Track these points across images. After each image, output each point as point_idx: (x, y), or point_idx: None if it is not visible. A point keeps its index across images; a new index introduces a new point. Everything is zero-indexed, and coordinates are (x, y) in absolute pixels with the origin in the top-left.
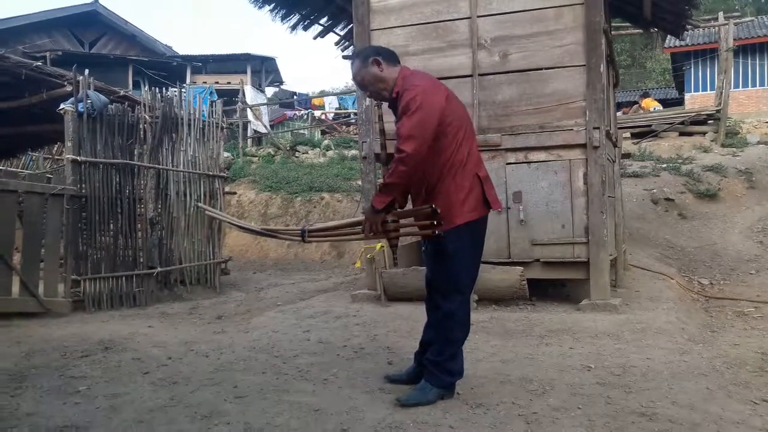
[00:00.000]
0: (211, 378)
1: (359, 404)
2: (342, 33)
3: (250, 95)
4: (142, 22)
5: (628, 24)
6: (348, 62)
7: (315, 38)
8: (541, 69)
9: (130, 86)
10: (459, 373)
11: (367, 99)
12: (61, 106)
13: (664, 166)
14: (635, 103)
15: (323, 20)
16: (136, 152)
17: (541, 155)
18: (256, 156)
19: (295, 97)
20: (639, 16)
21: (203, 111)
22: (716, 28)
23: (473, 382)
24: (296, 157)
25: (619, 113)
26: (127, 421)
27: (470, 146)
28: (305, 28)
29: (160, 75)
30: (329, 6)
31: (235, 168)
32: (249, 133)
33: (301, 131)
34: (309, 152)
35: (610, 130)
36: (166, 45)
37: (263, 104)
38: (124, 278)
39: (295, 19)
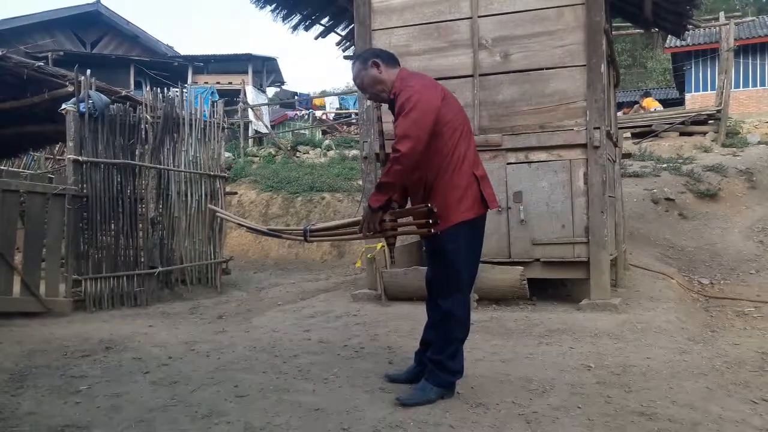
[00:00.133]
0: (212, 377)
1: (360, 404)
2: (343, 33)
3: (251, 95)
4: (144, 22)
5: (628, 24)
6: (349, 62)
7: (316, 38)
8: (541, 69)
9: (132, 86)
10: (459, 372)
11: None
12: (63, 106)
13: (665, 166)
14: (636, 103)
15: (324, 20)
16: (137, 152)
17: (542, 155)
18: (257, 156)
19: (296, 97)
20: (640, 16)
21: (204, 111)
22: (717, 28)
23: (473, 382)
24: (297, 157)
25: (619, 113)
26: (127, 420)
27: (467, 146)
28: (306, 29)
29: (161, 75)
30: (330, 6)
31: (236, 168)
32: (250, 133)
33: (302, 131)
34: (310, 152)
35: (611, 130)
36: (167, 45)
37: (264, 104)
38: (125, 278)
39: (296, 19)
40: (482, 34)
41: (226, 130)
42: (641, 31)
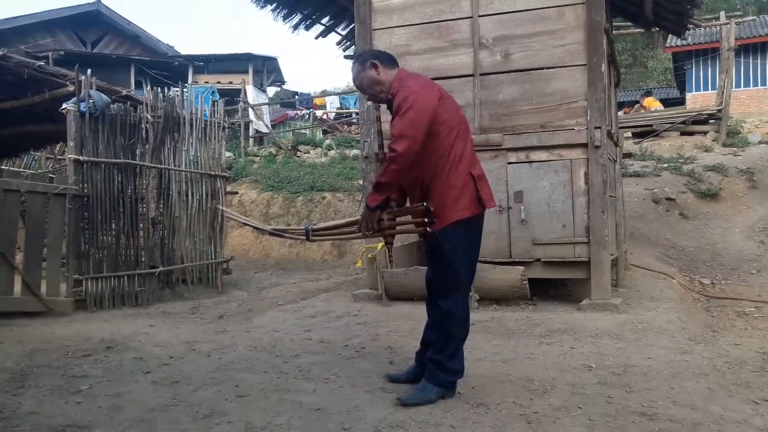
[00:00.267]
0: (213, 377)
1: (360, 404)
2: (344, 33)
3: (252, 95)
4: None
5: (629, 23)
6: (349, 62)
7: (317, 38)
8: (542, 68)
9: (133, 86)
10: (459, 371)
11: None
12: (64, 105)
13: (666, 165)
14: (636, 102)
15: (325, 20)
16: (138, 152)
17: (543, 155)
18: (257, 156)
19: (296, 96)
20: (640, 16)
21: (205, 111)
22: (718, 27)
23: (474, 382)
24: (298, 156)
25: (620, 113)
26: (128, 420)
27: (464, 145)
28: (307, 28)
29: (162, 75)
30: (331, 6)
31: (236, 168)
32: (251, 132)
33: (303, 131)
34: (310, 152)
35: (612, 130)
36: (168, 45)
37: (265, 104)
38: (126, 278)
39: (296, 18)
40: (483, 34)
41: (226, 129)
42: (642, 30)
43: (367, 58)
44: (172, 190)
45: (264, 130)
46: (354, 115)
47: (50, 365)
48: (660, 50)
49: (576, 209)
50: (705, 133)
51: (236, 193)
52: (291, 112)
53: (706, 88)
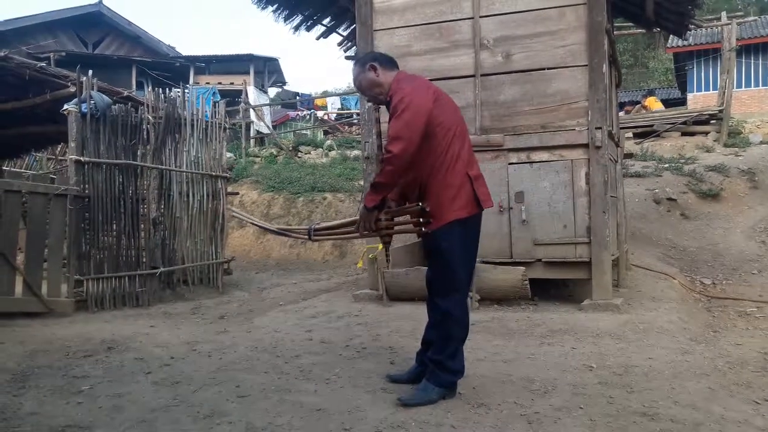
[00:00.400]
0: (214, 378)
1: (361, 404)
2: (345, 34)
3: (253, 96)
4: (146, 22)
5: (630, 24)
6: (350, 63)
7: (318, 39)
8: (543, 69)
9: (134, 87)
10: (460, 371)
11: None
12: (65, 106)
13: (667, 166)
14: (638, 102)
15: (326, 21)
16: (139, 153)
17: (544, 155)
18: (258, 156)
19: (297, 97)
20: (641, 16)
21: (206, 111)
22: (719, 27)
23: (475, 382)
24: (299, 157)
25: (621, 113)
26: (129, 420)
27: (461, 145)
28: (308, 29)
29: (163, 75)
30: (332, 7)
31: (237, 168)
32: (252, 133)
33: (304, 132)
34: (311, 152)
35: (613, 130)
36: (169, 46)
37: (266, 105)
38: (126, 278)
39: (297, 19)
40: (484, 34)
41: (227, 130)
42: (643, 31)
43: (367, 61)
44: (173, 191)
45: (265, 130)
46: (355, 116)
47: (51, 366)
48: (661, 51)
49: (577, 209)
50: (706, 133)
51: (237, 193)
52: (292, 113)
53: (707, 89)
